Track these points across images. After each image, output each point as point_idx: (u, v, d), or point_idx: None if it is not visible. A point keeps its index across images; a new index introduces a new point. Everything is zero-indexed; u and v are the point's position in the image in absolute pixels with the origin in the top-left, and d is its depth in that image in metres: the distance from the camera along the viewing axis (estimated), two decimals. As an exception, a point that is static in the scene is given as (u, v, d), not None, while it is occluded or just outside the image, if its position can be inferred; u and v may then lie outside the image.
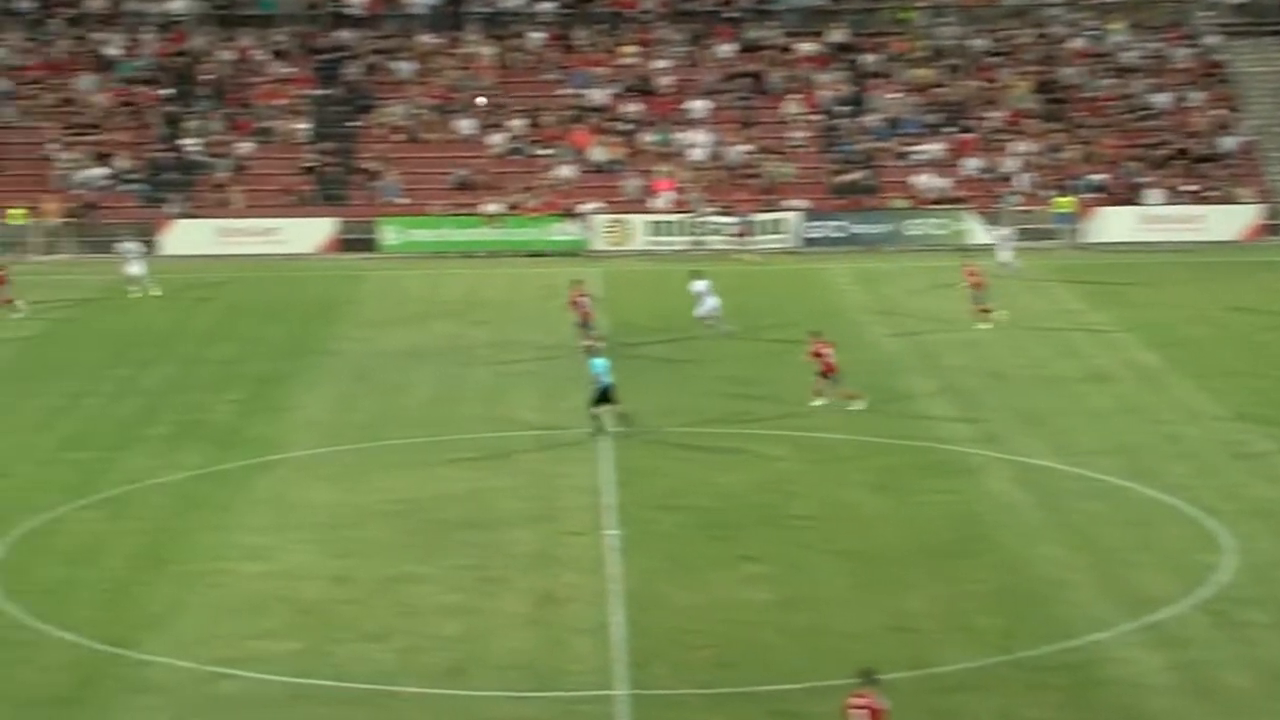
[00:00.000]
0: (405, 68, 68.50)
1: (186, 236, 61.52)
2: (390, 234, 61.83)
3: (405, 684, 22.94)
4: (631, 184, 63.49)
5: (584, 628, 24.91)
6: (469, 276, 56.84)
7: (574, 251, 60.64)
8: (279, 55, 69.17)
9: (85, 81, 67.36)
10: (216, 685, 22.95)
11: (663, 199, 62.67)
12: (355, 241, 61.74)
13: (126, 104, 66.71)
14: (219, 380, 41.28)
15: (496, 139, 65.47)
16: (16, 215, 60.52)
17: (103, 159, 64.34)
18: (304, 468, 33.68)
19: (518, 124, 65.96)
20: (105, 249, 60.71)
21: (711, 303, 46.39)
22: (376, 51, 69.35)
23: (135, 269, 52.99)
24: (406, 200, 63.51)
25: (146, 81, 67.74)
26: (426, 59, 69.08)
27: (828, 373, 37.54)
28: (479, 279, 55.97)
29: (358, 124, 66.80)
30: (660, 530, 29.53)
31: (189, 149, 65.01)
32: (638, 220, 61.84)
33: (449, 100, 67.27)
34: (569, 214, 61.84)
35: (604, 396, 35.56)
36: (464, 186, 63.81)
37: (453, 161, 64.76)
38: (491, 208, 62.16)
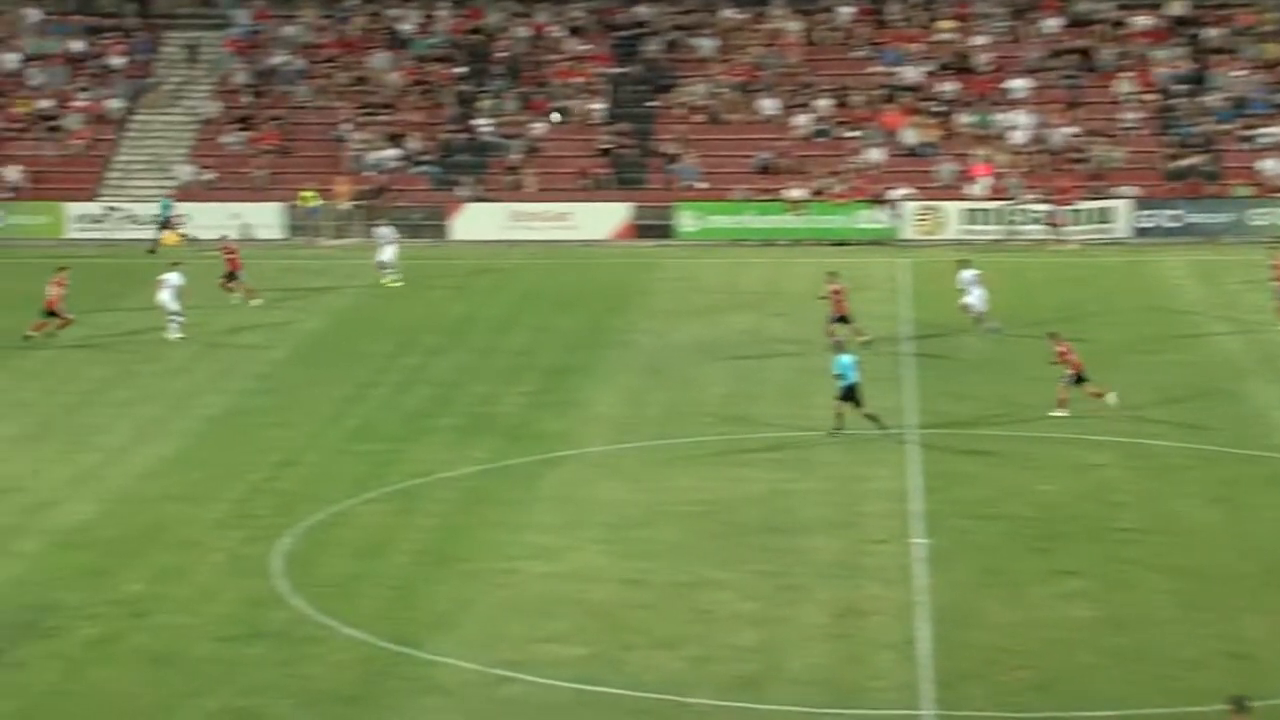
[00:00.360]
0: (707, 44, 68.78)
1: (477, 221, 62.76)
2: (687, 220, 62.17)
3: (697, 695, 23.00)
4: (945, 169, 62.74)
5: (888, 642, 24.68)
6: (769, 266, 56.83)
7: (882, 240, 60.19)
8: (575, 32, 70.10)
9: (379, 60, 69.21)
10: (502, 688, 23.32)
11: (979, 185, 61.80)
12: (651, 228, 62.24)
13: (419, 83, 68.36)
14: (510, 371, 42.00)
15: (802, 120, 65.33)
16: (308, 198, 62.45)
17: (395, 140, 66.02)
18: (595, 464, 34.05)
19: (824, 104, 65.72)
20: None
21: (977, 295, 45.62)
22: (677, 27, 69.78)
23: (387, 255, 53.96)
24: (705, 185, 63.77)
25: (440, 59, 69.32)
26: (729, 35, 69.28)
27: (1078, 374, 36.65)
28: (780, 269, 55.90)
29: (656, 104, 67.31)
30: (972, 540, 29.11)
31: (482, 130, 66.32)
32: (951, 208, 61.10)
33: (752, 79, 67.36)
34: (877, 200, 61.38)
35: (848, 395, 35.22)
36: (766, 170, 63.81)
37: (755, 144, 64.81)
38: (795, 193, 62.03)
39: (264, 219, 63.07)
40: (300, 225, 62.71)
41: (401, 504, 31.51)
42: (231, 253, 51.59)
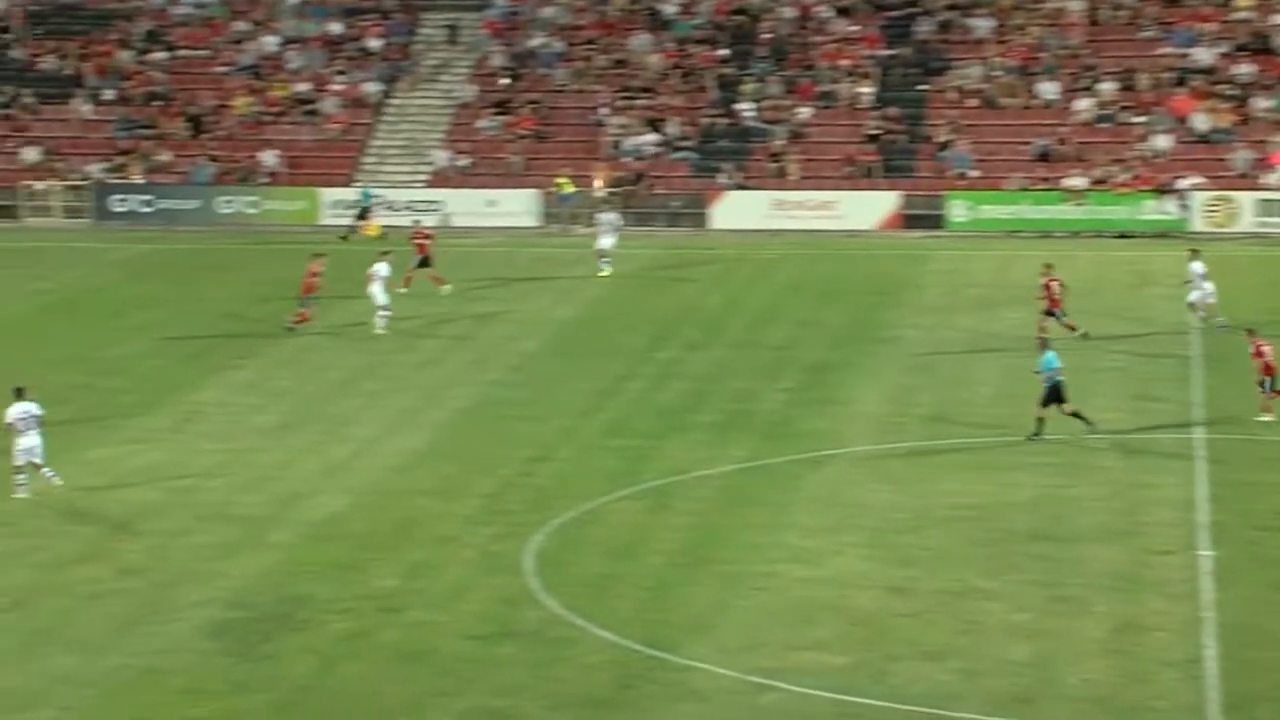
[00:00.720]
0: (983, 25, 68.04)
1: (738, 209, 62.91)
2: (959, 210, 61.59)
3: (965, 709, 22.82)
4: (1240, 156, 61.23)
5: (1172, 660, 24.22)
6: (1046, 259, 55.97)
7: (1169, 232, 59.00)
8: (844, 12, 69.83)
9: (639, 42, 69.72)
10: (759, 697, 23.38)
11: (1277, 174, 60.19)
12: (920, 218, 61.82)
13: (681, 66, 68.71)
14: (770, 367, 42.05)
15: (1083, 105, 64.29)
16: (563, 184, 63.16)
17: (654, 125, 66.45)
18: (859, 465, 33.94)
19: (1108, 88, 64.58)
20: (651, 221, 62.91)
21: (1205, 289, 44.66)
22: (951, 7, 69.15)
23: (606, 242, 54.24)
24: (978, 173, 63.12)
25: (702, 41, 69.60)
26: (1006, 15, 68.46)
27: (1268, 374, 35.56)
28: (1057, 262, 55.01)
29: (927, 88, 66.79)
30: (1266, 554, 28.42)
31: (744, 115, 66.43)
32: (1246, 198, 59.65)
33: (1031, 61, 66.47)
34: (1164, 190, 60.15)
35: (1055, 395, 34.58)
36: (1044, 158, 62.93)
37: (1032, 130, 63.98)
38: (1075, 182, 61.07)
39: (518, 206, 63.98)
40: (554, 213, 63.47)
41: (656, 502, 31.74)
42: (424, 238, 52.27)
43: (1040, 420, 35.03)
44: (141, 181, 66.46)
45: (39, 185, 66.86)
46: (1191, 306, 45.14)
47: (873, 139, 64.75)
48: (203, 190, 65.82)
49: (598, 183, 63.54)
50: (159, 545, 29.55)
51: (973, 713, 22.74)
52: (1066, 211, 60.57)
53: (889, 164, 64.08)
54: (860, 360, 42.58)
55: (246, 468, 34.05)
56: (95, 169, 66.79)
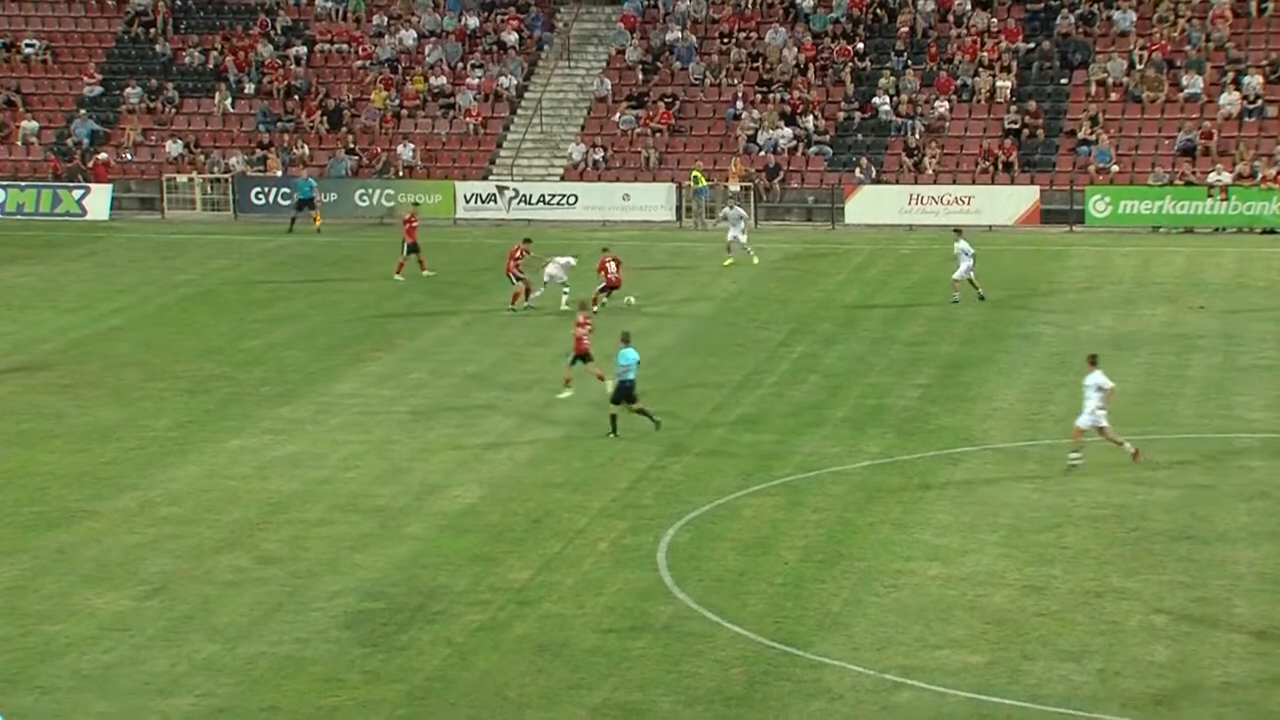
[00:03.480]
0: (1125, 18, 67.26)
1: (873, 204, 62.64)
2: (1099, 205, 60.94)
3: (1105, 711, 22.56)
4: (1388, 151, 60.20)
5: (1316, 665, 23.82)
6: (1189, 255, 55.36)
7: (1317, 229, 58.15)
8: (983, 5, 69.34)
9: (775, 35, 69.58)
10: (893, 695, 23.24)
11: None
12: (1059, 213, 61.26)
13: (817, 59, 68.50)
14: (905, 362, 41.84)
15: (1229, 99, 63.37)
16: (698, 178, 63.16)
17: (790, 119, 66.31)
18: (995, 463, 33.66)
19: (1254, 81, 63.62)
20: (786, 215, 62.87)
21: None
22: (1093, 0, 68.42)
23: (735, 233, 54.37)
24: (1118, 168, 62.43)
25: (839, 35, 69.33)
26: (1150, 7, 67.64)
27: None
28: (1200, 258, 54.40)
29: (1068, 81, 66.14)
30: None
31: (881, 108, 66.10)
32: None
33: (1175, 54, 65.62)
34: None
35: (625, 393, 34.96)
36: (1188, 153, 62.12)
37: (1176, 124, 63.17)
38: (1219, 177, 60.23)
39: (653, 200, 64.06)
40: (689, 207, 63.49)
41: (790, 498, 31.65)
42: (413, 223, 53.27)
43: (614, 418, 35.14)
44: (281, 175, 67.24)
45: (181, 178, 67.86)
46: None
47: (1012, 133, 64.22)
48: (341, 184, 66.45)
49: (733, 177, 63.48)
50: (297, 535, 29.88)
51: (1111, 714, 22.49)
52: (1211, 207, 59.73)
53: (1028, 159, 63.54)
54: (997, 356, 42.25)
55: (382, 459, 34.34)
56: (236, 162, 67.64)
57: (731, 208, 56.07)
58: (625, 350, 35.59)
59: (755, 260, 54.29)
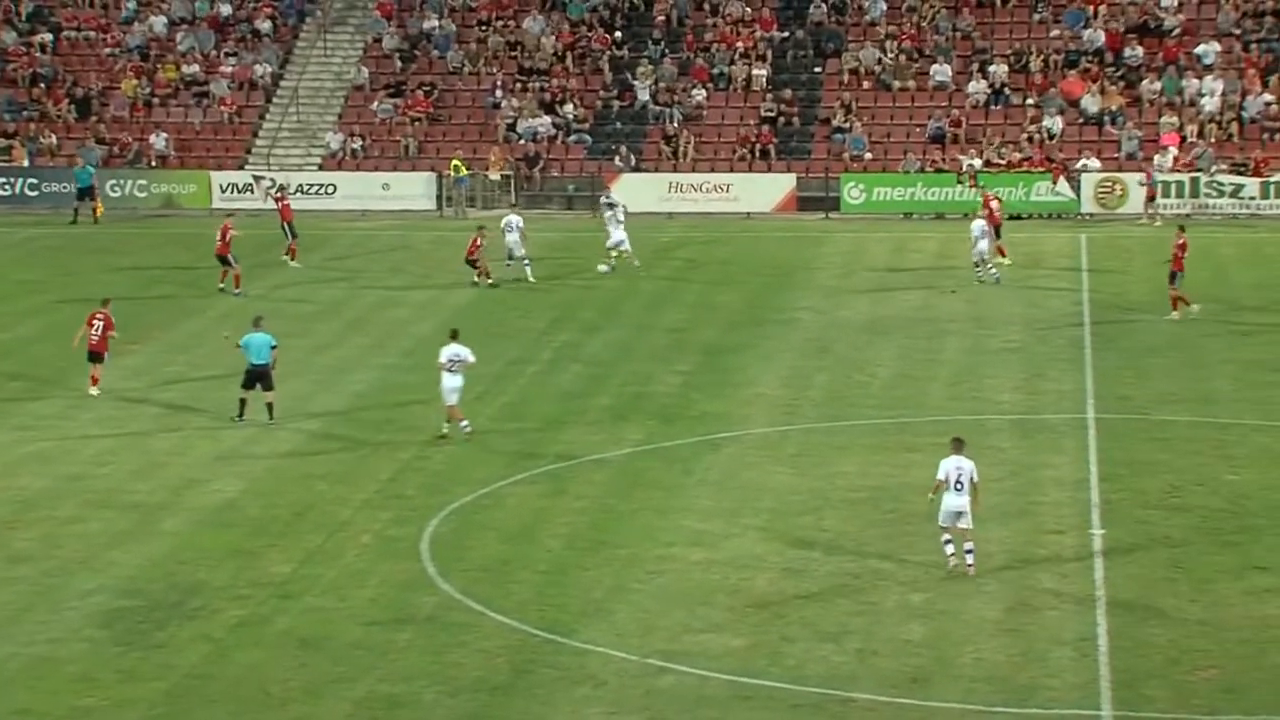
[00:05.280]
0: (876, 7, 68.38)
1: (633, 192, 62.89)
2: (854, 192, 61.92)
3: (862, 690, 22.97)
4: (1130, 139, 61.92)
5: (1065, 639, 24.49)
6: (940, 240, 56.46)
7: (1062, 214, 59.58)
8: (738, -6, 69.97)
9: (533, 23, 69.57)
10: (656, 680, 23.43)
11: (1167, 156, 60.88)
12: (815, 200, 62.10)
13: (575, 47, 68.62)
14: (666, 350, 42.15)
15: (976, 87, 64.77)
16: (458, 167, 62.97)
17: (549, 108, 66.36)
18: (755, 448, 34.07)
19: (1000, 70, 65.11)
20: (547, 204, 62.91)
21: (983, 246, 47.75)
22: (844, -10, 69.47)
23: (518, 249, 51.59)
24: (872, 155, 63.47)
25: (597, 23, 69.52)
26: (900, -2, 68.86)
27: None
28: (951, 243, 55.52)
29: (821, 70, 67.07)
30: (1155, 533, 28.79)
31: (639, 97, 66.45)
32: (1135, 180, 60.25)
33: (923, 43, 66.89)
34: (1057, 172, 60.70)
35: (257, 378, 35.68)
36: (938, 140, 63.37)
37: (926, 112, 64.39)
38: (968, 164, 61.53)
39: (413, 189, 63.74)
40: (449, 196, 63.28)
41: (553, 486, 31.75)
42: (283, 200, 54.42)
43: (242, 402, 35.77)
44: (27, 165, 65.64)
45: (-78, 169, 65.93)
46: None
47: (768, 121, 64.97)
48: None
49: (493, 166, 63.40)
50: (49, 533, 29.26)
51: (868, 693, 22.90)
52: (960, 193, 60.92)
53: (784, 146, 64.31)
54: (757, 342, 42.74)
55: (137, 454, 33.75)
56: (84, 152, 65.63)
57: (510, 215, 52.52)
58: (259, 335, 35.73)
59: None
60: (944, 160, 62.07)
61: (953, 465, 26.76)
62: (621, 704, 22.77)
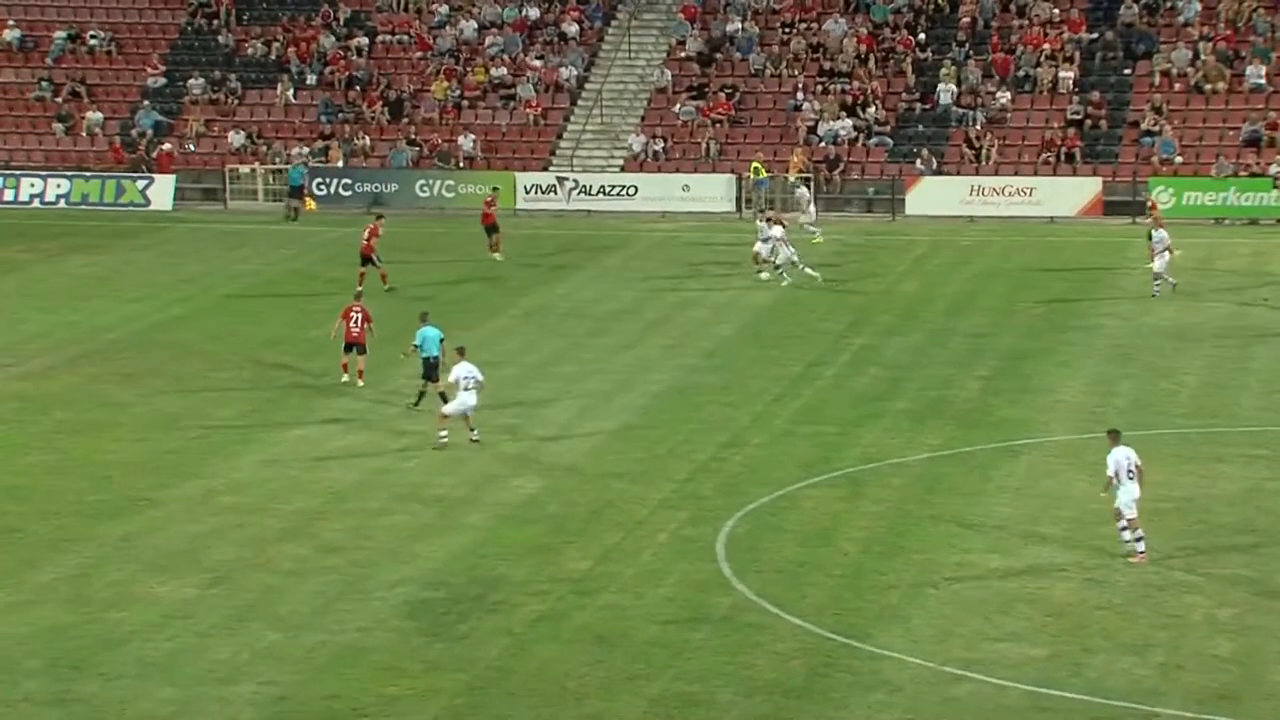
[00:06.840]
0: (1190, 7, 66.77)
1: (934, 195, 62.40)
2: (1163, 197, 60.52)
3: (1166, 705, 22.43)
4: None
5: (1380, 660, 23.62)
6: (1253, 248, 54.94)
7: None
8: (1045, -5, 68.95)
9: (835, 26, 69.37)
10: (952, 688, 23.16)
11: None
12: (1122, 204, 60.88)
13: (878, 50, 68.24)
14: (966, 354, 41.68)
15: None
16: (758, 169, 63.05)
17: (850, 110, 66.11)
18: (1057, 455, 33.50)
19: (1318, 71, 63.15)
20: (846, 207, 62.74)
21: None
22: (1156, -10, 68.03)
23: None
24: (1182, 159, 62.00)
25: (901, 25, 69.06)
26: (1214, -2, 67.20)
27: None
28: (1265, 251, 54.00)
29: (1131, 72, 65.72)
30: None
31: (942, 99, 65.83)
32: None
33: (1240, 44, 65.10)
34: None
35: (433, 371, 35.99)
36: (1252, 144, 61.63)
37: (1240, 115, 62.69)
38: (1277, 170, 59.73)
39: (713, 191, 64.00)
40: (749, 198, 63.41)
41: (850, 490, 31.58)
42: (490, 205, 55.28)
43: (421, 393, 36.23)
44: (342, 165, 67.47)
45: (244, 169, 68.17)
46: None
47: (1074, 124, 63.87)
48: (401, 174, 66.63)
49: (793, 168, 63.38)
50: (358, 525, 29.98)
51: (1173, 709, 22.35)
52: (1275, 198, 59.24)
53: (1090, 149, 63.18)
54: (1059, 348, 42.05)
55: (443, 449, 34.39)
56: (298, 153, 67.88)
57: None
58: (427, 329, 36.55)
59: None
60: (1259, 164, 60.35)
61: (1121, 456, 27.33)
62: (917, 711, 22.55)
